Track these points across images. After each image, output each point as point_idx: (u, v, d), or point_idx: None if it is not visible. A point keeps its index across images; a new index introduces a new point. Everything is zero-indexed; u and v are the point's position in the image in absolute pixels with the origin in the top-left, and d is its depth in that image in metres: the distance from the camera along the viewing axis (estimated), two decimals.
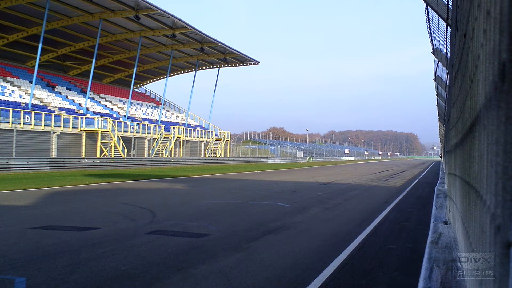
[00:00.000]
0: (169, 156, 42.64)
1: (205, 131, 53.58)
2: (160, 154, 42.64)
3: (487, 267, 1.29)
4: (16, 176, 22.49)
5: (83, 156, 33.55)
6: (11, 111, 28.99)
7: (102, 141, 35.55)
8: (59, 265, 5.62)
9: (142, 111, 50.88)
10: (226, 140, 55.22)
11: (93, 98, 45.18)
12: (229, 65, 56.03)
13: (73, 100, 41.46)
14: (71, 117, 34.24)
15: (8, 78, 37.57)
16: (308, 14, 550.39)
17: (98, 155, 35.15)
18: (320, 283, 5.09)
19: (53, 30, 38.64)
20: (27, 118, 30.20)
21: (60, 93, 41.42)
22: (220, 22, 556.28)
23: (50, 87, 41.45)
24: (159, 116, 50.21)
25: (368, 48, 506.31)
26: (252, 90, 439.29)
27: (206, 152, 51.65)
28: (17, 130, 28.04)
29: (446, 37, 7.71)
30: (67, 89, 43.64)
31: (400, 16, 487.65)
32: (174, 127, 45.10)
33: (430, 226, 7.40)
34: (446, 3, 6.11)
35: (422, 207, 12.71)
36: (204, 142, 52.05)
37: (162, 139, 42.87)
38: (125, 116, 43.74)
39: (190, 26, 40.76)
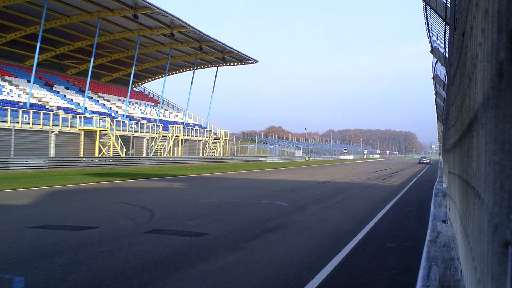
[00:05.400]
0: (168, 155, 42.61)
1: (204, 130, 53.56)
2: (159, 153, 42.61)
3: (485, 265, 1.30)
4: (15, 175, 22.46)
5: (82, 155, 33.51)
6: (9, 110, 28.93)
7: (100, 140, 35.52)
8: (58, 264, 5.62)
9: (141, 110, 50.83)
10: (225, 139, 55.21)
11: (92, 97, 45.12)
12: (228, 64, 56.01)
13: (72, 99, 41.41)
14: (69, 116, 34.19)
15: (6, 77, 37.50)
16: (306, 13, 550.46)
17: (96, 154, 35.12)
18: (319, 282, 5.10)
19: (52, 29, 38.56)
20: (25, 117, 30.14)
21: (58, 92, 41.35)
22: (219, 21, 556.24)
23: (49, 86, 41.38)
24: (157, 115, 50.18)
25: (367, 47, 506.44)
26: (250, 89, 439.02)
27: (204, 151, 51.63)
28: (15, 129, 28.00)
29: (445, 35, 7.71)
30: (66, 88, 43.58)
31: (398, 15, 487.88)
32: (172, 126, 45.07)
33: (428, 224, 7.41)
34: (445, 1, 6.11)
35: (421, 206, 12.74)
36: (203, 141, 52.03)
37: (160, 138, 42.85)
38: (123, 115, 43.69)
39: (189, 25, 40.72)
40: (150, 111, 52.24)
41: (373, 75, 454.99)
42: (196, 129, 51.75)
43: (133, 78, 45.83)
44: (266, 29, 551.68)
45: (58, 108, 36.83)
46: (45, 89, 40.15)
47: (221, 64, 56.16)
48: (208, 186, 18.63)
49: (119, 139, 36.62)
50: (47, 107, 36.01)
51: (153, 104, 55.93)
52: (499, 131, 1.04)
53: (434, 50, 10.66)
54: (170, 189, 17.42)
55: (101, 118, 36.07)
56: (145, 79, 60.02)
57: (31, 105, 34.13)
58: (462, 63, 3.15)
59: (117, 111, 45.46)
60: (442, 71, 11.86)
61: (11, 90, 35.70)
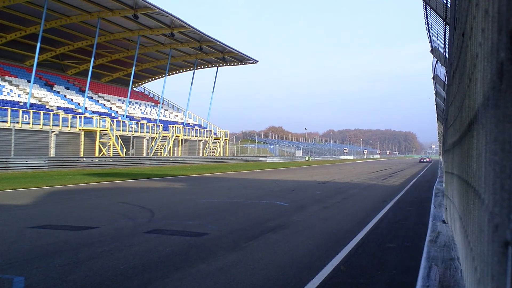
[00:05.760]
0: (168, 155, 42.61)
1: (204, 130, 53.56)
2: (159, 153, 42.61)
3: (485, 265, 1.30)
4: (15, 175, 22.46)
5: (82, 155, 33.52)
6: (9, 110, 28.93)
7: (100, 140, 35.52)
8: (58, 265, 5.62)
9: (141, 110, 50.84)
10: (225, 139, 55.21)
11: (92, 97, 45.12)
12: (228, 64, 56.01)
13: (72, 99, 41.41)
14: (69, 116, 34.20)
15: (7, 77, 37.50)
16: (306, 13, 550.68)
17: (96, 154, 35.12)
18: (319, 282, 5.10)
19: (52, 29, 38.56)
20: (26, 117, 30.15)
21: (58, 92, 41.36)
22: (219, 21, 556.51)
23: (49, 86, 41.39)
24: (157, 115, 50.18)
25: (367, 47, 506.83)
26: (250, 89, 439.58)
27: (204, 151, 51.63)
28: (15, 129, 28.00)
29: (445, 35, 7.71)
30: (66, 88, 43.58)
31: (398, 15, 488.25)
32: (172, 126, 45.07)
33: (428, 225, 7.41)
34: (445, 2, 6.11)
35: (421, 206, 12.73)
36: (203, 141, 52.03)
37: (160, 138, 42.86)
38: (123, 115, 43.69)
39: (189, 25, 40.73)
40: (150, 111, 52.24)
41: (373, 75, 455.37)
42: (196, 129, 51.74)
43: (133, 78, 45.83)
44: (266, 29, 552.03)
45: (58, 108, 36.83)
46: (45, 89, 40.15)
47: (221, 64, 56.16)
48: (208, 186, 18.63)
49: (119, 139, 36.62)
50: (47, 107, 36.01)
51: (153, 104, 55.93)
52: (499, 131, 1.04)
53: (434, 50, 10.66)
54: (170, 189, 17.42)
55: (101, 118, 36.07)
56: (145, 79, 60.02)
57: (31, 105, 34.13)
58: (462, 63, 3.15)
59: (117, 111, 45.46)
60: (442, 71, 11.85)
61: (11, 90, 35.70)
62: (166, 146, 43.06)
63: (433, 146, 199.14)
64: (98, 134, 35.21)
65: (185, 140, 48.05)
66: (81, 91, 44.00)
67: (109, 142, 35.65)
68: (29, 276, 5.07)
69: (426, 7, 7.75)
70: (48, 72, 44.25)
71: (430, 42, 10.50)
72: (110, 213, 10.32)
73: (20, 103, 33.51)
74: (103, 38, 42.48)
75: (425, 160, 76.90)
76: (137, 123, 41.99)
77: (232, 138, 69.76)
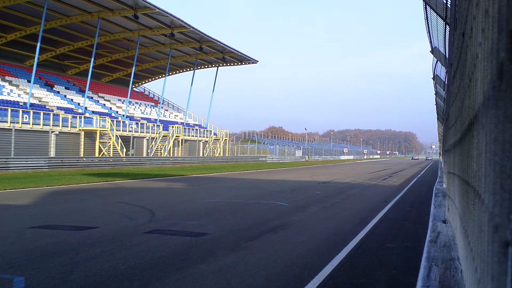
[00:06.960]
0: (168, 155, 42.60)
1: (204, 130, 53.55)
2: (159, 153, 42.60)
3: (485, 265, 1.30)
4: (15, 175, 22.46)
5: (82, 156, 33.51)
6: (9, 110, 28.92)
7: (100, 140, 35.51)
8: (58, 265, 5.62)
9: (141, 110, 50.83)
10: (225, 139, 55.19)
11: (92, 97, 45.10)
12: (228, 64, 56.01)
13: (72, 99, 41.40)
14: (69, 116, 34.19)
15: (7, 77, 37.49)
16: (306, 13, 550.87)
17: (96, 154, 35.11)
18: (319, 282, 5.10)
19: (52, 29, 38.56)
20: (26, 117, 30.14)
21: (58, 92, 41.35)
22: (219, 21, 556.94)
23: (49, 86, 41.38)
24: (157, 115, 50.18)
25: (367, 47, 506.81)
26: (250, 89, 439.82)
27: (204, 151, 51.62)
28: (15, 129, 28.00)
29: (445, 36, 7.71)
30: (66, 88, 43.57)
31: (399, 15, 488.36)
32: (172, 126, 45.05)
33: (428, 225, 7.40)
34: (445, 2, 6.10)
35: (421, 206, 12.73)
36: (203, 141, 52.02)
37: (160, 138, 42.84)
38: (123, 115, 43.68)
39: (189, 25, 40.72)
40: (150, 111, 52.23)
41: (373, 75, 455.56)
42: (196, 129, 51.73)
43: (133, 78, 45.81)
44: (266, 29, 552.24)
45: (58, 108, 36.83)
46: (45, 89, 40.14)
47: (221, 64, 56.16)
48: (208, 186, 18.62)
49: (119, 139, 36.61)
50: (47, 107, 36.01)
51: (153, 104, 55.92)
52: (499, 131, 1.04)
53: (434, 50, 10.66)
54: (170, 189, 17.42)
55: (101, 118, 36.06)
56: (145, 79, 60.01)
57: (31, 105, 34.12)
58: (462, 63, 3.15)
59: (117, 111, 45.45)
60: (442, 71, 11.84)
61: (11, 90, 35.70)
62: (166, 146, 43.05)
63: (433, 146, 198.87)
64: (98, 134, 35.20)
65: (185, 140, 48.04)
66: (81, 91, 43.99)
67: (109, 142, 35.65)
68: (29, 276, 5.08)
69: (426, 7, 7.74)
70: (48, 72, 44.25)
71: (430, 42, 10.49)
72: (110, 213, 10.32)
73: (20, 103, 33.51)
74: (103, 38, 42.47)
75: (416, 158, 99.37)
76: (137, 123, 41.98)
77: (232, 138, 69.76)
